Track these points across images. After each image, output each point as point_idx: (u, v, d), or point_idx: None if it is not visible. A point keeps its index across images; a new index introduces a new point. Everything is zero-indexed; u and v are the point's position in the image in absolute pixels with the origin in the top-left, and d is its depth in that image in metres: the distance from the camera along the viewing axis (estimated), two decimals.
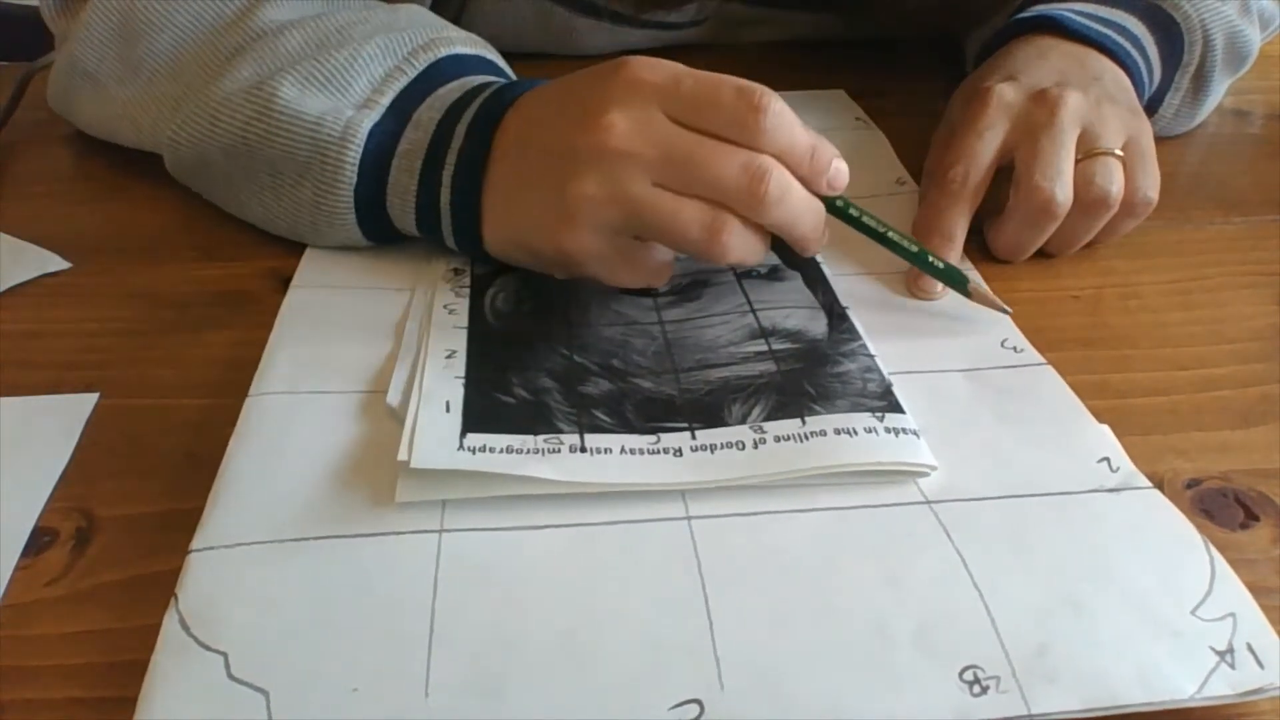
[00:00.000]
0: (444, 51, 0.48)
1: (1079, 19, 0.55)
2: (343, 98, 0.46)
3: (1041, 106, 0.48)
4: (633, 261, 0.42)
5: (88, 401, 0.39)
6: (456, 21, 0.69)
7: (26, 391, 0.40)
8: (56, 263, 0.48)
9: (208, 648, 0.29)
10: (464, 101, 0.45)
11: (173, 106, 0.49)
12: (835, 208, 0.42)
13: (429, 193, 0.44)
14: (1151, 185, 0.48)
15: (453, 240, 0.45)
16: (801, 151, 0.40)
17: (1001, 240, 0.49)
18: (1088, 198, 0.47)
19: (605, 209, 0.40)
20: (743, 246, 0.40)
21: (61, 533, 0.34)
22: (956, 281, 0.44)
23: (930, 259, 0.43)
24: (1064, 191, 0.46)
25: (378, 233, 0.47)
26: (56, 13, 0.55)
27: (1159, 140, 0.50)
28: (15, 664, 0.30)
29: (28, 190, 0.55)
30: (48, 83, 0.56)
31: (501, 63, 0.52)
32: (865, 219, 0.43)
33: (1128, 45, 0.55)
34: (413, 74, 0.47)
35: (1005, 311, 0.43)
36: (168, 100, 0.50)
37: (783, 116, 0.39)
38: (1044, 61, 0.53)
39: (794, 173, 0.40)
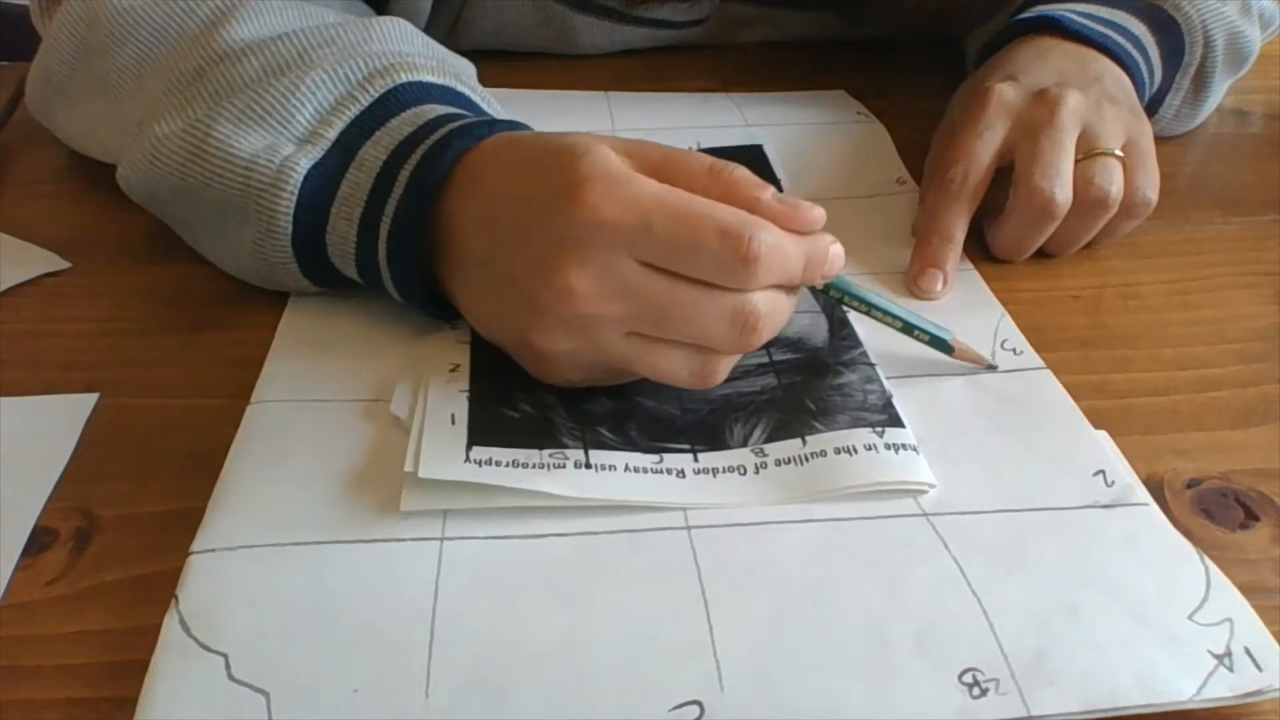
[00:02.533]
0: (404, 77, 0.42)
1: (1079, 19, 0.55)
2: (284, 131, 0.41)
3: (1041, 106, 0.48)
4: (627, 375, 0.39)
5: (88, 401, 0.39)
6: (456, 20, 0.69)
7: (26, 391, 0.40)
8: (56, 263, 0.48)
9: (208, 649, 0.29)
10: (414, 140, 0.39)
11: (135, 130, 0.45)
12: (827, 294, 0.39)
13: (368, 244, 0.40)
14: (1151, 186, 0.48)
15: (399, 296, 0.41)
16: (794, 273, 0.35)
17: (1001, 240, 0.49)
18: (1087, 198, 0.47)
19: (579, 360, 0.36)
20: (731, 365, 0.37)
21: (61, 533, 0.34)
22: (942, 347, 0.41)
23: (915, 332, 0.41)
24: (1063, 192, 0.46)
25: (327, 280, 0.43)
26: (40, 13, 0.53)
27: (1159, 141, 0.50)
28: (15, 664, 0.30)
29: (28, 190, 0.55)
30: (26, 93, 0.54)
31: (475, 95, 0.46)
32: (852, 303, 0.40)
33: (1128, 46, 0.55)
34: (366, 102, 0.42)
35: (991, 367, 0.41)
36: (131, 123, 0.46)
37: (775, 252, 0.34)
38: (1044, 62, 0.53)
39: (785, 288, 0.36)
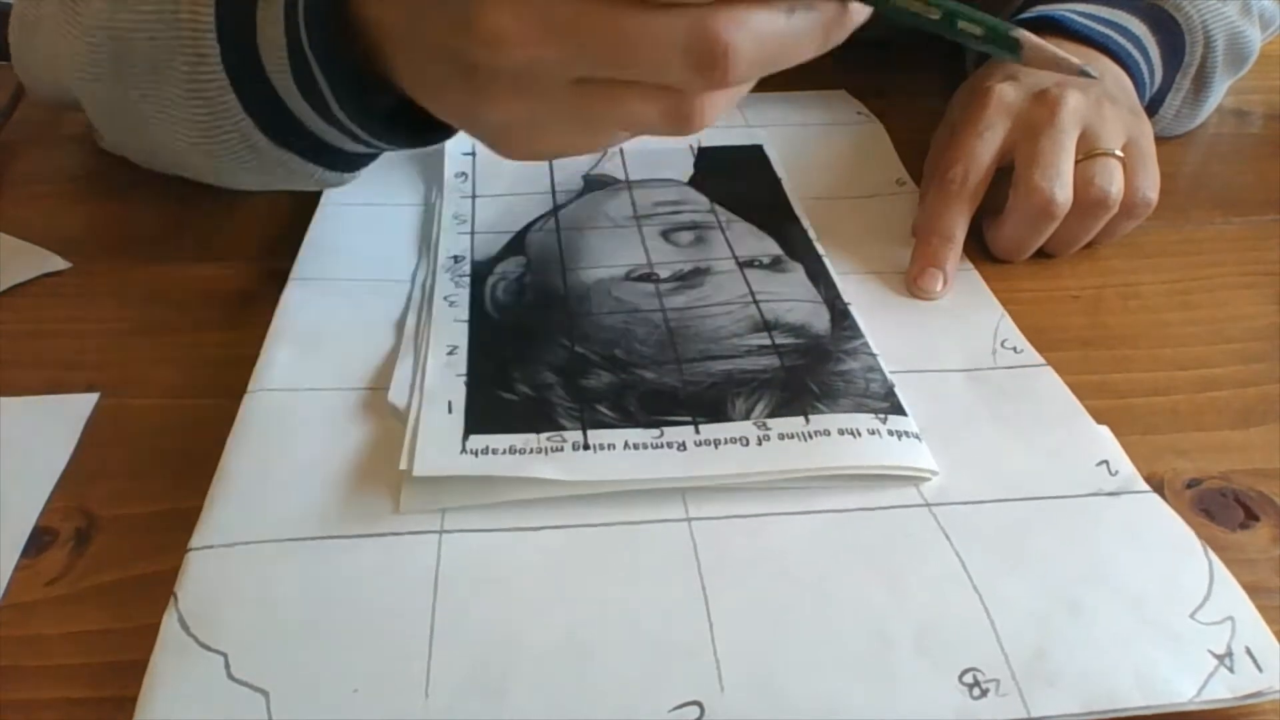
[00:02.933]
0: None
1: (1080, 20, 0.55)
2: None
3: (1042, 106, 0.48)
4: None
5: (88, 401, 0.39)
6: None
7: (26, 391, 0.40)
8: (56, 263, 0.48)
9: (207, 648, 0.29)
10: None
11: (70, 21, 0.44)
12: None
13: (294, 40, 0.36)
14: (1151, 186, 0.48)
15: (337, 106, 0.37)
16: None
17: (1001, 240, 0.49)
18: (1087, 198, 0.47)
19: (538, 121, 0.33)
20: (723, 106, 0.32)
21: (61, 533, 0.34)
22: (1005, 45, 0.32)
23: (965, 22, 0.33)
24: (1063, 192, 0.46)
25: (273, 124, 0.40)
26: None
27: (1159, 140, 0.50)
28: (15, 664, 0.30)
29: (28, 190, 0.55)
30: (10, 46, 0.53)
31: None
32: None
33: (1129, 46, 0.55)
34: None
35: (1086, 71, 0.31)
36: (70, 16, 0.44)
37: None
38: None
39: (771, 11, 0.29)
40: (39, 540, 0.34)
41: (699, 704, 0.28)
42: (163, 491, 0.36)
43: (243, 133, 0.41)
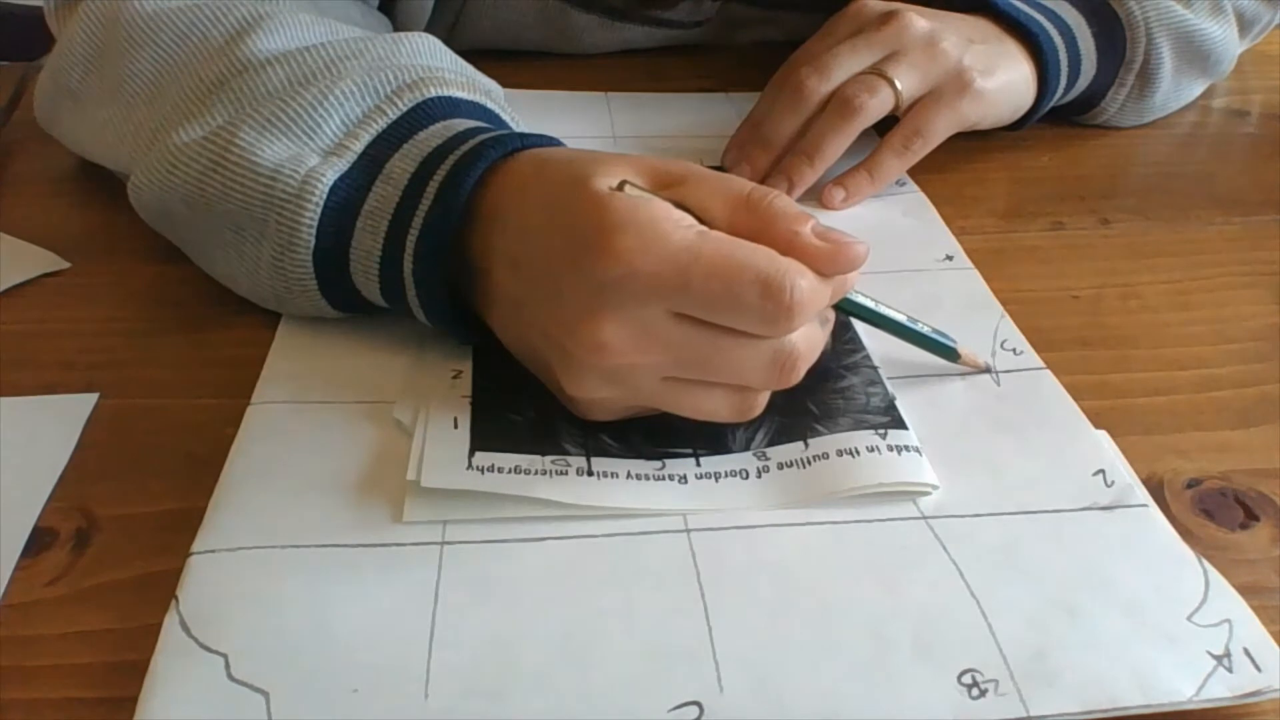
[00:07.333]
0: (434, 92, 0.42)
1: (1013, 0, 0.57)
2: (310, 142, 0.40)
3: (882, 19, 0.54)
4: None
5: (88, 401, 0.39)
6: (457, 18, 0.69)
7: (26, 391, 0.40)
8: (56, 263, 0.48)
9: (208, 649, 0.29)
10: (444, 151, 0.38)
11: (149, 138, 0.43)
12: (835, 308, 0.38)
13: (393, 259, 0.38)
14: (906, 139, 0.53)
15: (424, 317, 0.39)
16: (825, 302, 0.35)
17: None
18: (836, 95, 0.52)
19: (614, 405, 0.36)
20: (767, 398, 0.37)
21: (61, 533, 0.34)
22: (948, 354, 0.41)
23: (921, 339, 0.40)
24: (816, 78, 0.53)
25: (346, 303, 0.41)
26: (54, 13, 0.52)
27: (1113, 131, 0.53)
28: (15, 664, 0.30)
29: (28, 190, 0.55)
30: (34, 98, 0.53)
31: (503, 112, 0.45)
32: (857, 314, 0.40)
33: (1051, 30, 0.57)
34: (395, 115, 0.41)
35: (987, 370, 0.41)
36: (144, 129, 0.44)
37: (813, 295, 0.33)
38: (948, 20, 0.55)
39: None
40: (39, 540, 0.34)
41: (698, 704, 0.28)
42: (162, 492, 0.36)
43: (314, 299, 0.41)
